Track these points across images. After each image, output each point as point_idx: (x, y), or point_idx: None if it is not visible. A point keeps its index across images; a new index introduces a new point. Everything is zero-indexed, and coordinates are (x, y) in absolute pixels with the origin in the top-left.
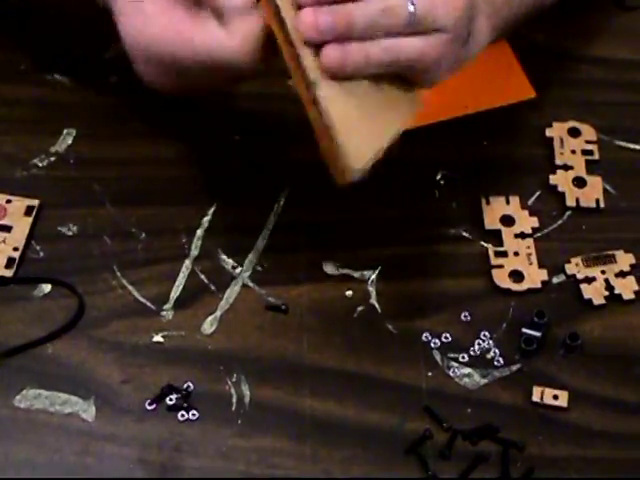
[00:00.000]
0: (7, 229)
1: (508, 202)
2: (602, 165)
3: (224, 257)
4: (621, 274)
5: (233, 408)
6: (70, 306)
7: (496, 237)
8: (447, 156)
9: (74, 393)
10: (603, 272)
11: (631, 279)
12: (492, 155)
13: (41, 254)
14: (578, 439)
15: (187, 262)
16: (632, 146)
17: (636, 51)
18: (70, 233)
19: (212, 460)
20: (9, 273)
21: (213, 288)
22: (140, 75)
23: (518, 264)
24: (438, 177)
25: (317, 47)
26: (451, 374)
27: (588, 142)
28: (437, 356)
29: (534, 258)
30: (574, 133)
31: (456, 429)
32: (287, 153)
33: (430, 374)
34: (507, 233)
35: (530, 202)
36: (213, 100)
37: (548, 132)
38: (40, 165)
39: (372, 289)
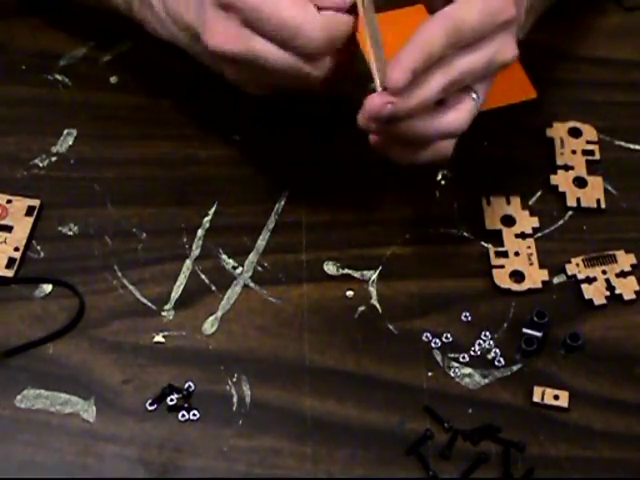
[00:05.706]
0: (8, 229)
1: (509, 202)
2: (603, 165)
3: (225, 257)
4: (622, 274)
5: (234, 408)
6: (71, 306)
7: (497, 237)
8: None
9: (75, 393)
10: (604, 272)
11: (632, 279)
12: (492, 155)
13: (42, 254)
14: (579, 439)
15: (188, 262)
16: (633, 146)
17: (636, 51)
18: (71, 233)
19: (213, 460)
20: (10, 273)
21: (214, 288)
22: (229, 78)
23: (519, 264)
24: (438, 177)
25: None
26: (452, 374)
27: (589, 142)
28: (438, 356)
29: (535, 258)
30: (575, 133)
31: (457, 429)
32: (287, 153)
33: (431, 374)
34: (508, 233)
35: (531, 202)
36: (213, 100)
37: (548, 132)
38: (41, 165)
39: (373, 289)
